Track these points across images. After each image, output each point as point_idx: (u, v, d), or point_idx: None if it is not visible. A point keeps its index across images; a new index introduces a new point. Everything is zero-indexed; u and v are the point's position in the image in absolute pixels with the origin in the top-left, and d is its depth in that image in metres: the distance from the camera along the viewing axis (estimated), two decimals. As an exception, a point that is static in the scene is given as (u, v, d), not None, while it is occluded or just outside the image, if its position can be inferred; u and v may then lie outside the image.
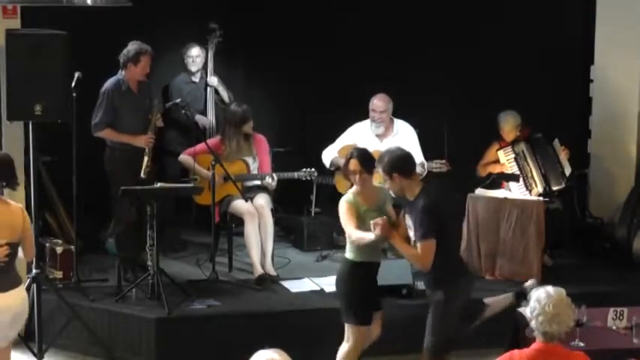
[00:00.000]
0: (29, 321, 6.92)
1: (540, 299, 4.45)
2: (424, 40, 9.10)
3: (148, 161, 7.33)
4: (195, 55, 8.46)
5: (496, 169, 8.15)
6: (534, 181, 7.90)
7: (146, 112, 7.51)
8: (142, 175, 7.28)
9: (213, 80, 8.51)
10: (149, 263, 7.08)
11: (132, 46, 7.43)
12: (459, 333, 5.93)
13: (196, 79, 8.57)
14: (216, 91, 8.60)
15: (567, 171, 8.11)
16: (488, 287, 7.53)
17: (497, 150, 8.15)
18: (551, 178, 7.94)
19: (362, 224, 5.81)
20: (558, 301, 4.44)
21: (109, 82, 7.48)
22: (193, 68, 8.50)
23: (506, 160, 8.05)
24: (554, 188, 7.95)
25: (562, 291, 4.51)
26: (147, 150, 7.36)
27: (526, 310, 4.55)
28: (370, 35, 9.08)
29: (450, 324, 5.80)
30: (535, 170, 7.90)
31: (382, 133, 7.98)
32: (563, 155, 8.12)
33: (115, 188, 7.24)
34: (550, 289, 4.51)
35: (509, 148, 8.06)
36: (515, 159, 7.98)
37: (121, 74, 7.49)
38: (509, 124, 8.10)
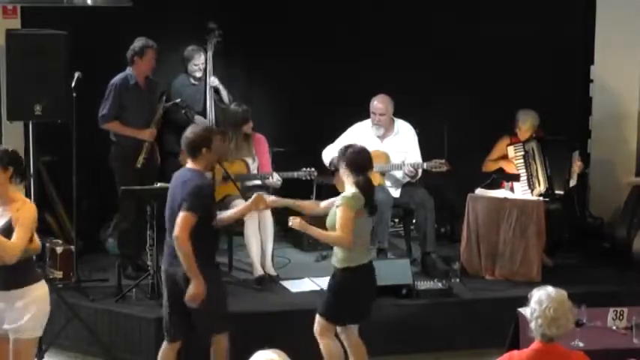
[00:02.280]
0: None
1: (541, 301, 4.40)
2: (424, 40, 9.09)
3: (145, 153, 7.46)
4: (201, 62, 8.45)
5: (508, 166, 8.15)
6: (538, 180, 7.90)
7: (152, 108, 7.61)
8: (138, 164, 7.41)
9: (214, 80, 8.51)
10: (149, 263, 7.08)
11: (137, 42, 7.59)
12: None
13: (196, 81, 8.57)
14: (216, 91, 8.59)
15: (572, 182, 8.14)
16: (488, 287, 7.54)
17: (508, 145, 8.14)
18: (555, 180, 7.94)
19: None
20: (559, 305, 4.39)
21: (118, 77, 7.60)
22: (198, 74, 8.49)
23: (514, 156, 8.05)
24: (557, 192, 7.95)
25: (563, 293, 4.46)
26: (147, 142, 7.47)
27: (526, 310, 4.53)
28: (370, 35, 9.07)
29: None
30: (541, 169, 7.91)
31: (382, 134, 7.98)
32: (576, 167, 8.15)
33: (121, 184, 7.30)
34: (551, 290, 4.45)
35: (519, 145, 8.06)
36: (524, 156, 7.99)
37: (129, 70, 7.59)
38: (527, 124, 8.11)
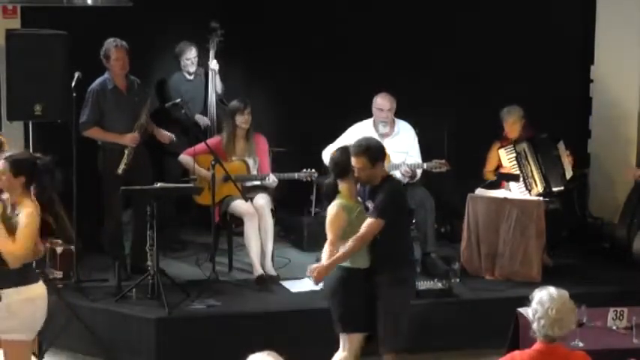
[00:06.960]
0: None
1: (543, 302, 4.39)
2: (424, 40, 9.10)
3: (127, 159, 7.41)
4: (193, 56, 8.45)
5: (504, 172, 8.14)
6: (534, 181, 7.90)
7: (135, 111, 7.55)
8: (119, 171, 7.38)
9: (215, 64, 8.49)
10: (149, 263, 7.08)
11: (105, 44, 7.50)
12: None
13: (191, 76, 8.56)
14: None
15: (568, 174, 8.12)
16: (488, 287, 7.54)
17: (499, 149, 8.14)
18: (551, 179, 7.94)
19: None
20: (561, 305, 4.39)
21: (96, 82, 7.55)
22: (192, 69, 8.50)
23: (507, 159, 8.04)
24: (554, 189, 7.94)
25: (565, 293, 4.46)
26: (129, 148, 7.43)
27: (527, 311, 4.52)
28: (370, 35, 9.08)
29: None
30: (536, 170, 7.89)
31: (388, 131, 7.95)
32: (566, 157, 8.13)
33: (107, 188, 7.30)
34: (553, 291, 4.45)
35: (510, 147, 8.05)
36: (517, 158, 7.98)
37: (107, 74, 7.56)
38: (512, 116, 8.08)
